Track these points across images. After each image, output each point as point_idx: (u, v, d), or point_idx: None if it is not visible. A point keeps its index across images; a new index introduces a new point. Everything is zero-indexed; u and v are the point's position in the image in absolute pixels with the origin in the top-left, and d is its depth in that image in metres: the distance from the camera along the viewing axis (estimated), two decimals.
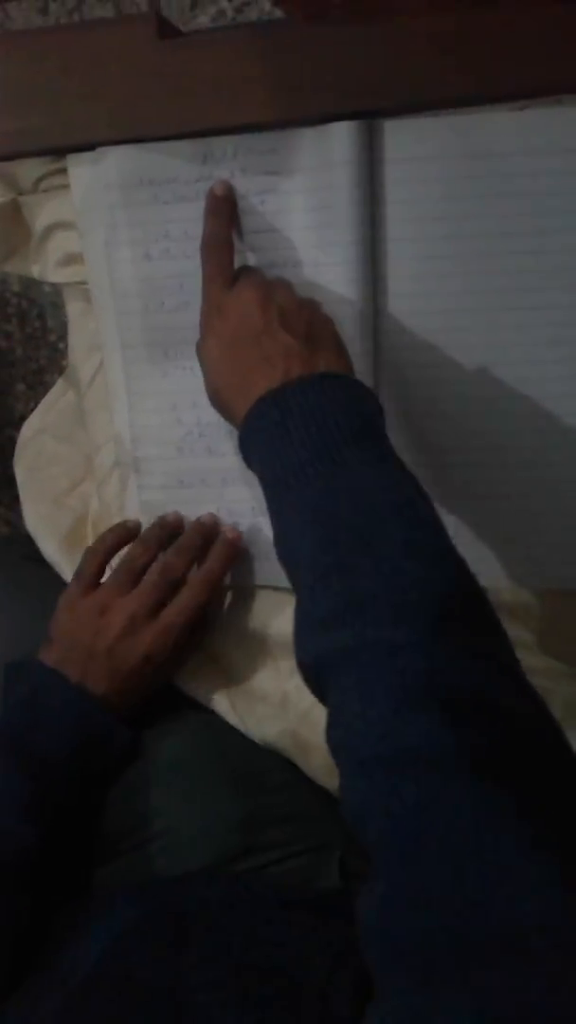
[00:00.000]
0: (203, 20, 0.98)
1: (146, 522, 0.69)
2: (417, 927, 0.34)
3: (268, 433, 0.52)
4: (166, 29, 0.61)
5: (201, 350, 0.59)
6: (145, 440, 0.69)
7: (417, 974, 0.33)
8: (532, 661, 0.64)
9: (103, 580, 0.67)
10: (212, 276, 0.60)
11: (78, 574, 0.67)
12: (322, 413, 0.51)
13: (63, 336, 0.71)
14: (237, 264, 0.62)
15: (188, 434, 0.67)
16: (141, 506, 0.70)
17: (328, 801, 0.65)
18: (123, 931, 0.52)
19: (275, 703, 0.66)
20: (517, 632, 0.65)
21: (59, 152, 0.64)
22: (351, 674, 0.42)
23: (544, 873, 0.34)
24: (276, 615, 0.68)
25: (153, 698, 0.66)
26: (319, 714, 0.63)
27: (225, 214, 0.61)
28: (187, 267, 0.61)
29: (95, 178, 0.64)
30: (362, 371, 0.61)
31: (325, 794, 0.65)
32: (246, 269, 0.62)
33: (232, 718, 0.66)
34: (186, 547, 0.66)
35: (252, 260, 0.63)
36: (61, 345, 1.12)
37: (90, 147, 0.63)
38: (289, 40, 0.58)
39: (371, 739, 0.40)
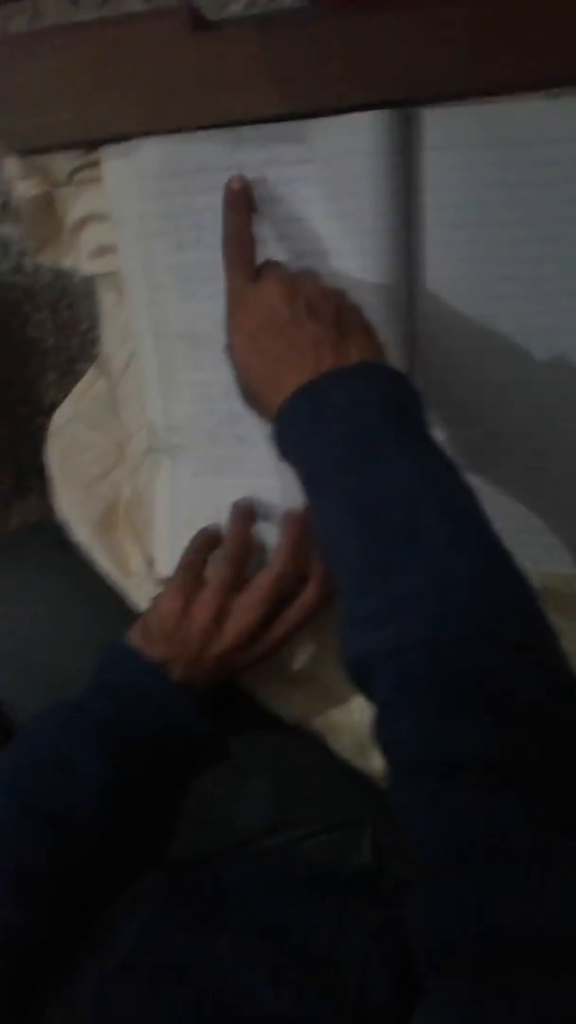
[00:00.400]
0: (235, 8, 0.99)
1: (180, 510, 0.68)
2: (470, 930, 0.34)
3: (304, 428, 0.51)
4: (198, 21, 0.62)
5: (230, 346, 0.59)
6: (178, 428, 0.69)
7: (468, 980, 0.33)
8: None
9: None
10: (234, 270, 0.59)
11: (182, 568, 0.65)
12: (358, 405, 0.50)
13: (94, 326, 0.72)
14: (267, 252, 0.62)
15: (221, 423, 0.67)
16: (174, 492, 0.70)
17: (357, 780, 0.66)
18: (160, 908, 0.53)
19: (306, 684, 0.67)
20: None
21: (92, 146, 0.65)
22: (399, 673, 0.42)
23: None
24: None
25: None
26: (350, 696, 0.65)
27: (244, 207, 0.60)
28: (219, 256, 0.61)
29: (128, 169, 0.64)
30: (396, 358, 0.60)
31: (354, 773, 0.66)
32: (269, 263, 0.61)
33: (264, 697, 0.67)
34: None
35: (282, 248, 0.63)
36: (92, 335, 1.13)
37: (123, 140, 0.64)
38: (320, 31, 0.59)
39: (421, 742, 0.40)
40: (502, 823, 0.36)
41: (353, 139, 0.59)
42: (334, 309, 0.55)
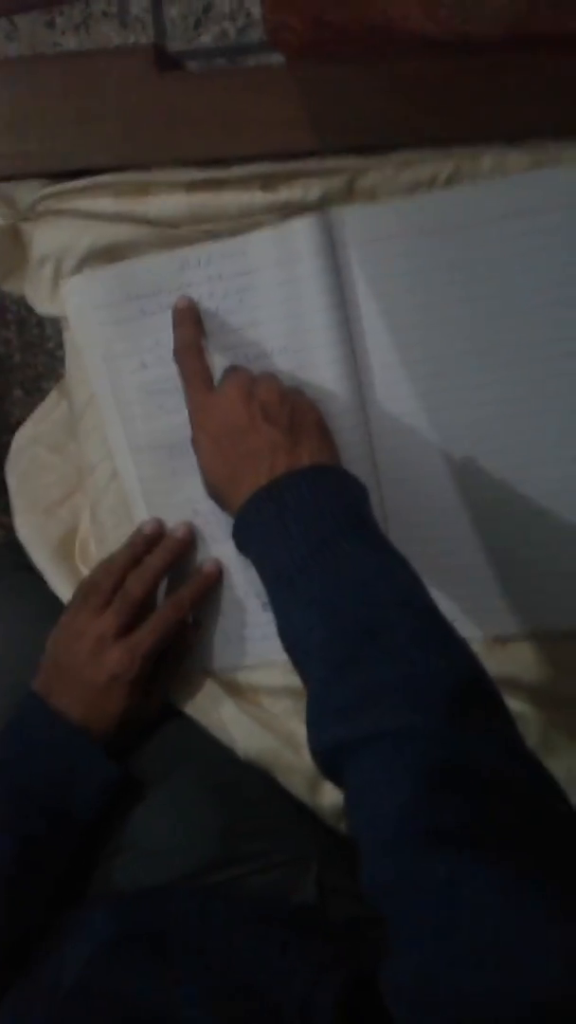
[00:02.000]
0: (206, 40, 1.00)
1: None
2: (458, 992, 0.36)
3: (265, 528, 0.55)
4: (164, 61, 0.63)
5: (194, 445, 0.62)
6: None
7: None
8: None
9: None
10: (190, 379, 0.63)
11: (72, 599, 0.68)
12: (315, 507, 0.54)
13: (61, 344, 0.73)
14: (225, 361, 0.65)
15: (207, 523, 0.69)
16: None
17: (305, 816, 0.66)
18: (104, 945, 0.53)
19: (262, 721, 0.68)
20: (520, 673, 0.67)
21: (56, 176, 0.66)
22: (371, 760, 0.45)
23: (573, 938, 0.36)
24: (274, 638, 0.69)
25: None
26: (302, 736, 0.65)
27: (191, 323, 0.65)
28: None
29: (85, 300, 0.67)
30: (354, 442, 0.65)
31: (302, 809, 0.66)
32: (231, 368, 0.65)
33: (220, 733, 0.67)
34: (147, 567, 0.67)
35: (240, 355, 0.66)
36: (59, 352, 1.13)
37: (87, 172, 0.65)
38: (279, 77, 0.60)
39: (397, 820, 0.42)
40: (482, 890, 0.38)
41: (286, 246, 0.63)
42: (288, 413, 0.59)
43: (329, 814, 0.66)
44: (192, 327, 0.65)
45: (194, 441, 0.63)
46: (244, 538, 0.58)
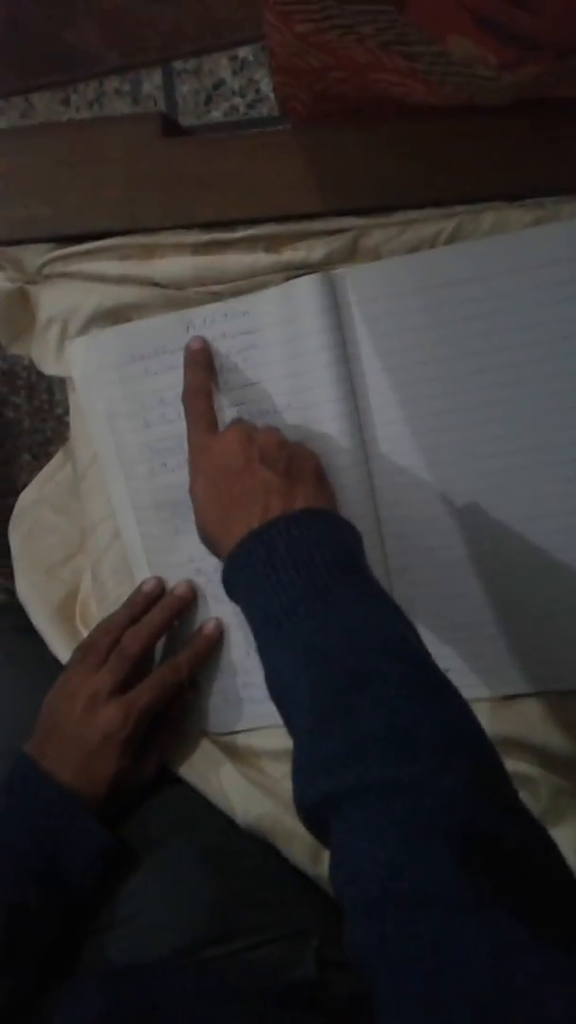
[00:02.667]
0: (216, 115, 1.03)
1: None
2: None
3: (254, 571, 0.53)
4: (170, 127, 0.64)
5: (191, 490, 0.62)
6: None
7: None
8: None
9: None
10: (195, 421, 0.63)
11: (70, 659, 0.67)
12: (307, 551, 0.53)
13: (70, 410, 0.73)
14: (228, 417, 0.66)
15: (209, 582, 0.69)
16: None
17: (306, 887, 0.64)
18: (93, 1021, 0.51)
19: (263, 785, 0.66)
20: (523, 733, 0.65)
21: (62, 240, 0.67)
22: (356, 814, 0.43)
23: (563, 1002, 0.34)
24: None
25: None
26: None
27: (202, 365, 0.65)
28: (183, 428, 0.65)
29: (90, 359, 0.68)
30: (358, 498, 0.65)
31: (303, 880, 0.64)
32: (236, 420, 0.65)
33: (218, 798, 0.66)
34: (145, 624, 0.66)
35: (244, 412, 0.66)
36: (68, 419, 1.14)
37: (93, 236, 0.66)
38: (285, 141, 0.62)
39: (381, 878, 0.40)
40: (470, 953, 0.36)
41: (290, 305, 0.64)
42: (287, 458, 0.59)
43: (333, 888, 0.63)
44: (204, 371, 0.64)
45: (191, 485, 0.62)
46: (233, 582, 0.56)
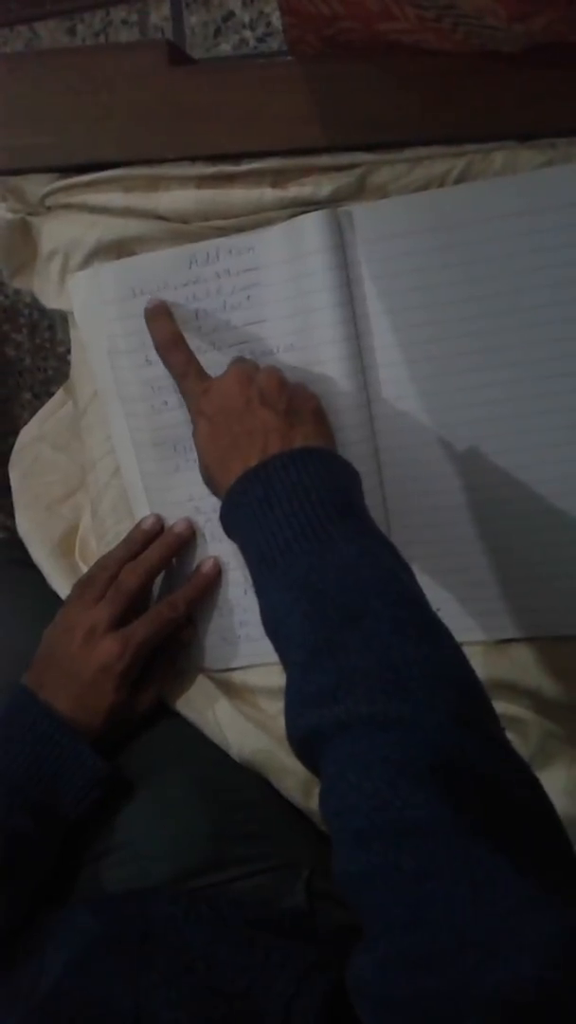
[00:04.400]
0: (225, 48, 1.00)
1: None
2: (420, 989, 0.35)
3: (251, 509, 0.54)
4: (176, 56, 0.63)
5: (194, 433, 0.62)
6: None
7: None
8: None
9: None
10: (182, 374, 0.63)
11: (69, 594, 0.68)
12: (304, 489, 0.53)
13: (71, 348, 0.73)
14: (230, 356, 0.65)
15: (208, 520, 0.69)
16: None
17: (297, 821, 0.65)
18: (86, 946, 0.52)
19: (257, 721, 0.67)
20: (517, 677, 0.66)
21: (66, 170, 0.66)
22: (345, 747, 0.43)
23: (541, 930, 0.35)
24: None
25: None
26: None
27: (163, 317, 0.64)
28: None
29: (92, 294, 0.67)
30: (358, 439, 0.65)
31: (296, 813, 0.65)
32: (237, 359, 0.64)
33: (214, 732, 0.66)
34: (143, 560, 0.66)
35: (246, 351, 0.66)
36: (70, 357, 1.13)
37: (97, 166, 0.65)
38: (291, 73, 0.60)
39: (367, 810, 0.41)
40: (451, 882, 0.37)
41: (294, 243, 0.63)
42: (287, 398, 0.59)
43: (322, 818, 0.64)
44: (166, 320, 0.64)
45: (194, 428, 0.62)
46: (231, 520, 0.56)
